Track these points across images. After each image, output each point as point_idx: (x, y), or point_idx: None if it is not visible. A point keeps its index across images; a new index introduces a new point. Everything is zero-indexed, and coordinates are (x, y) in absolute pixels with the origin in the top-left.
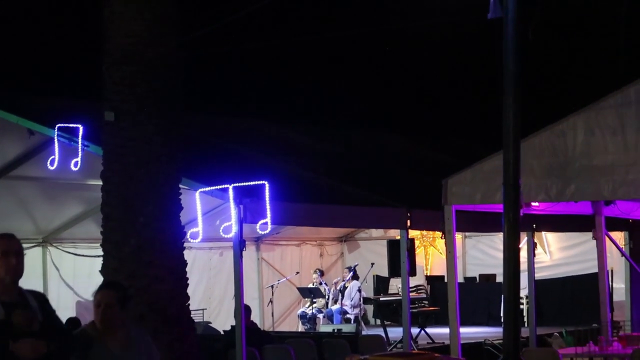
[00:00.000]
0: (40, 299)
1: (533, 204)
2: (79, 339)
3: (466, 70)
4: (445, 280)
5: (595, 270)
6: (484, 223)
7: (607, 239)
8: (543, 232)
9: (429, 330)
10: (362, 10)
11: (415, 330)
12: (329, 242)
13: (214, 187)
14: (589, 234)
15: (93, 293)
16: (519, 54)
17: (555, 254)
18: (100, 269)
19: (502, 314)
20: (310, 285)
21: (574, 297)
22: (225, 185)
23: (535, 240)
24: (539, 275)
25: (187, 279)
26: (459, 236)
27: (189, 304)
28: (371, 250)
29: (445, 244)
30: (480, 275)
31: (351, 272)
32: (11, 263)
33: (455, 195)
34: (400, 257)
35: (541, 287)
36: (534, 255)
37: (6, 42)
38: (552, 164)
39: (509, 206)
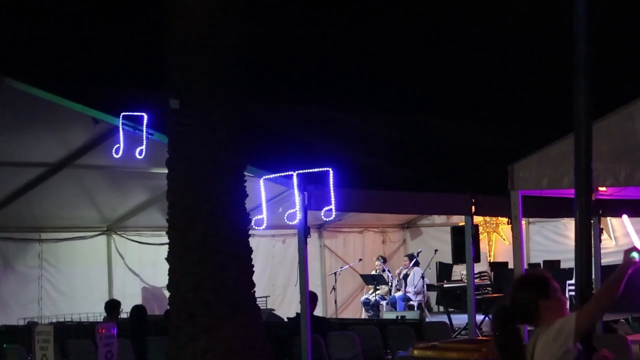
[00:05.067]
0: None
1: (600, 189)
2: None
3: (528, 55)
4: (510, 267)
5: None
6: (549, 208)
7: None
8: (608, 218)
9: None
10: None
11: (479, 317)
12: (391, 228)
13: (278, 174)
14: None
15: None
16: (591, 35)
17: (621, 239)
18: (165, 256)
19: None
20: (373, 272)
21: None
22: (290, 172)
23: (601, 226)
24: (604, 261)
25: (253, 266)
26: (523, 222)
27: (254, 291)
28: (434, 237)
29: (512, 229)
30: (545, 262)
31: (413, 260)
32: None
33: (521, 180)
34: (465, 244)
35: (607, 273)
36: (600, 241)
37: (70, 32)
38: (620, 148)
39: (580, 191)
